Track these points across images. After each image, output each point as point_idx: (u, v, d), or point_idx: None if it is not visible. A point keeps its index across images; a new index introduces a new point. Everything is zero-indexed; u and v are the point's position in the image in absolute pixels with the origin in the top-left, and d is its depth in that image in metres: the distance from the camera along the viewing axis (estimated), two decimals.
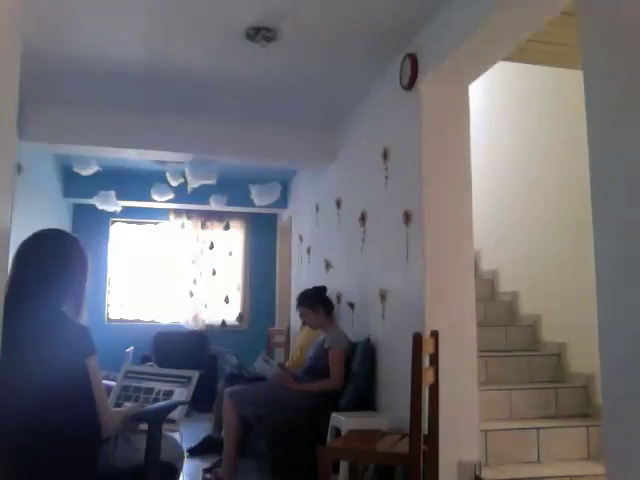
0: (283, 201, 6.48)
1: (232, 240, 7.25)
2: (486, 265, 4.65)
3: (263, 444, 3.42)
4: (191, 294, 6.89)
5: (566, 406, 3.40)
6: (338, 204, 4.50)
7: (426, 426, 2.26)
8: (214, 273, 7.05)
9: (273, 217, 7.29)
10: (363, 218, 3.90)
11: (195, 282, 6.94)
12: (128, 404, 2.09)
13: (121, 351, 3.57)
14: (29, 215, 4.45)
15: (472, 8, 2.57)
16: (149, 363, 5.51)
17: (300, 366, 3.93)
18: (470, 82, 3.09)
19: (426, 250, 2.93)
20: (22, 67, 1.42)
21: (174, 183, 5.47)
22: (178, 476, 2.06)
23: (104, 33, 3.20)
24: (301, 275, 5.74)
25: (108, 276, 6.84)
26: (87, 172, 5.25)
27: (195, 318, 6.86)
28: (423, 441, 2.07)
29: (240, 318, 7.12)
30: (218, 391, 4.22)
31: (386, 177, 3.51)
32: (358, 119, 4.20)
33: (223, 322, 7.00)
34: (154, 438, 1.85)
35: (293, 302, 5.02)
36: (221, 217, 7.13)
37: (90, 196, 5.88)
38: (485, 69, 2.99)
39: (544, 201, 3.96)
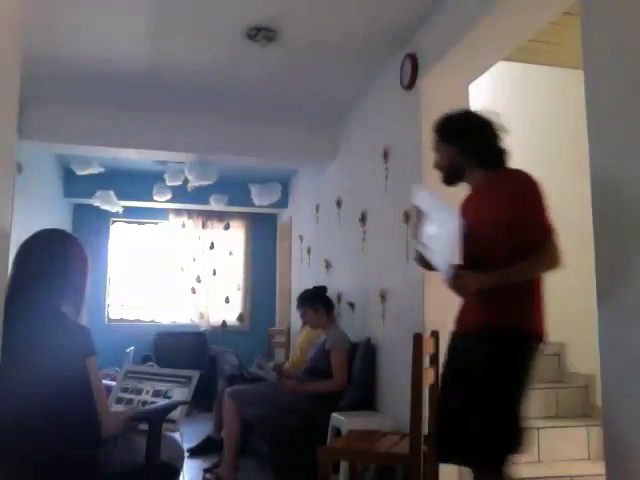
0: (283, 201, 6.47)
1: (232, 240, 7.25)
2: None
3: (264, 444, 3.42)
4: (194, 291, 6.89)
5: (566, 406, 3.40)
6: (338, 204, 4.50)
7: (426, 426, 2.26)
8: (214, 273, 7.05)
9: (273, 217, 7.29)
10: (363, 218, 3.90)
11: (199, 279, 6.94)
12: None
13: (121, 351, 3.58)
14: (29, 215, 4.45)
15: (472, 8, 2.57)
16: (149, 363, 5.52)
17: (300, 367, 3.93)
18: (470, 82, 3.09)
19: None
20: (23, 67, 1.42)
21: (171, 183, 5.47)
22: (178, 476, 2.06)
23: (104, 33, 3.20)
24: (301, 275, 5.74)
25: (108, 276, 6.84)
26: (85, 172, 5.25)
27: (202, 316, 6.86)
28: (423, 441, 2.07)
29: (240, 318, 7.12)
30: (218, 391, 4.22)
31: (386, 177, 3.51)
32: (358, 119, 4.20)
33: (223, 322, 7.00)
34: (154, 438, 1.85)
35: (293, 302, 5.02)
36: (221, 217, 7.12)
37: (90, 196, 5.88)
38: (485, 69, 2.99)
39: None
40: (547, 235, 1.82)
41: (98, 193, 5.82)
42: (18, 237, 1.85)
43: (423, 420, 2.06)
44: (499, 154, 2.00)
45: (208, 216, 7.05)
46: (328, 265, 4.71)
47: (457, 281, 1.80)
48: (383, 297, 3.45)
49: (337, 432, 3.09)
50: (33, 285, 1.77)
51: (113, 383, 2.26)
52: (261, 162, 5.09)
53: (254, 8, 2.92)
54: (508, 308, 1.84)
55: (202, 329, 6.78)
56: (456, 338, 1.99)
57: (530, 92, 4.22)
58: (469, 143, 2.01)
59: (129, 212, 6.51)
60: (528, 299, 1.88)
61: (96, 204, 5.90)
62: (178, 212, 6.96)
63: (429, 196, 2.05)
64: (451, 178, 2.09)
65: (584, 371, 3.45)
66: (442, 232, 1.89)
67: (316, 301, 3.85)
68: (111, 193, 5.85)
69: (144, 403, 2.11)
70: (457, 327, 1.99)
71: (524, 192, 1.86)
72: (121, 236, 7.01)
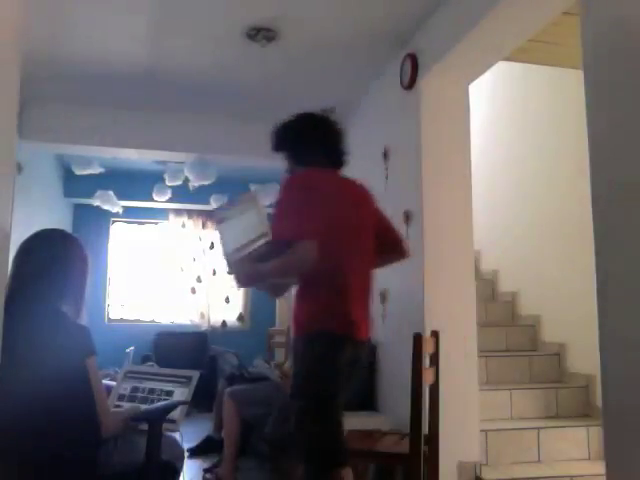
0: None
1: None
2: (486, 265, 4.65)
3: (264, 444, 3.41)
4: (194, 291, 6.89)
5: (566, 406, 3.40)
6: None
7: (426, 426, 2.26)
8: (214, 273, 7.05)
9: None
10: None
11: (199, 279, 6.94)
12: (128, 404, 2.09)
13: (121, 351, 3.57)
14: (29, 215, 4.45)
15: (472, 8, 2.57)
16: (149, 363, 5.51)
17: None
18: (470, 81, 3.09)
19: (426, 250, 2.92)
20: (23, 67, 1.42)
21: (171, 183, 5.47)
22: (178, 476, 2.06)
23: (104, 33, 3.20)
24: None
25: (108, 276, 6.84)
26: (85, 172, 5.25)
27: (202, 316, 6.86)
28: (423, 441, 2.07)
29: (240, 318, 7.12)
30: (218, 391, 4.22)
31: (386, 177, 3.51)
32: (358, 119, 4.19)
33: (224, 322, 6.99)
34: (154, 438, 1.85)
35: None
36: None
37: (90, 196, 5.88)
38: (485, 68, 2.99)
39: (545, 201, 3.95)
40: (290, 235, 1.81)
41: (98, 193, 5.82)
42: (18, 237, 1.85)
43: (423, 420, 2.06)
44: (336, 155, 2.02)
45: (208, 216, 7.05)
46: None
47: (230, 269, 1.85)
48: (383, 297, 3.45)
49: None
50: (33, 285, 1.77)
51: (113, 383, 2.26)
52: (261, 162, 5.09)
53: (254, 8, 2.92)
54: (305, 309, 1.87)
55: (202, 329, 6.78)
56: None
57: (530, 92, 4.23)
58: (303, 147, 2.02)
59: (129, 212, 6.51)
60: (322, 298, 1.86)
61: (96, 204, 5.90)
62: (178, 212, 6.95)
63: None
64: None
65: (584, 371, 3.45)
66: (241, 223, 1.97)
67: None
68: (111, 193, 5.86)
69: (144, 402, 2.11)
70: None
71: (280, 192, 1.95)
72: (121, 236, 7.01)
